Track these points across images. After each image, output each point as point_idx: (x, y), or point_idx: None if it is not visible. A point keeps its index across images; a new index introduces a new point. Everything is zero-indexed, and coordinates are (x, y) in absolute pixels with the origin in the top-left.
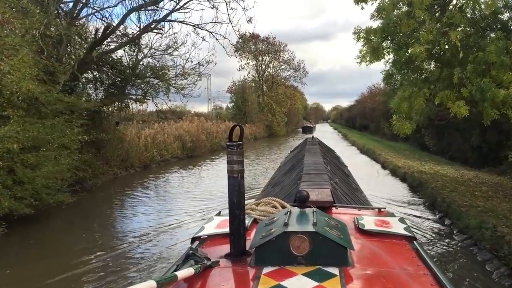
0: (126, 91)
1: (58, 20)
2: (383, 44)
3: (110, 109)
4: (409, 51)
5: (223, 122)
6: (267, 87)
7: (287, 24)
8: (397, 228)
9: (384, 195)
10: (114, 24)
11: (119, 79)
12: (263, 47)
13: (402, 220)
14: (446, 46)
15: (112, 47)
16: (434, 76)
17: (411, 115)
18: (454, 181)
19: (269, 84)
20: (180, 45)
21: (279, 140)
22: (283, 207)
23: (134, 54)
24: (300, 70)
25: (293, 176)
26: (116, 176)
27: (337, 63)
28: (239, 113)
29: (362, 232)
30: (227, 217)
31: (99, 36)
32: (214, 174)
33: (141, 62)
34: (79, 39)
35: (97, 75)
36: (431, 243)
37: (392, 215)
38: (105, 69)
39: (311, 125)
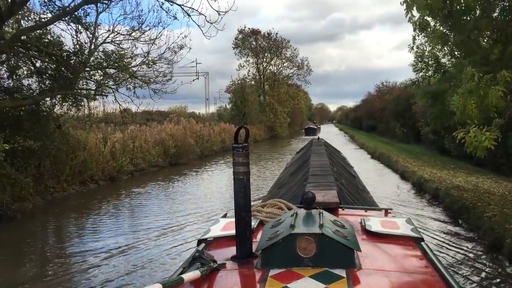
0: (78, 85)
1: None
2: None
3: (62, 109)
4: None
5: (218, 124)
6: (268, 86)
7: (292, 25)
8: (405, 229)
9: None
10: None
11: (62, 68)
12: (264, 43)
13: (409, 221)
14: None
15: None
16: (494, 55)
17: (482, 116)
18: (507, 202)
19: (270, 82)
20: (149, 29)
21: (281, 143)
22: (289, 208)
23: (87, 37)
24: (304, 68)
25: (299, 178)
26: (68, 194)
27: (343, 64)
28: (238, 114)
29: (369, 233)
30: (233, 219)
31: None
32: (194, 191)
33: (98, 48)
34: None
35: (40, 65)
36: None
37: (399, 216)
38: (34, 53)
39: (315, 126)
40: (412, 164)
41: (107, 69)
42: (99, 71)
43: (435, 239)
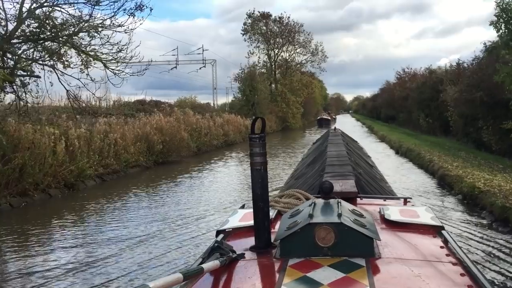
0: None
1: None
2: None
3: None
4: None
5: (220, 115)
6: (280, 74)
7: (309, 15)
8: (424, 217)
9: None
10: None
11: None
12: (275, 28)
13: (428, 209)
14: None
15: None
16: None
17: None
18: None
19: (282, 70)
20: None
21: (294, 135)
22: (307, 198)
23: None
24: (318, 54)
25: (316, 168)
26: None
27: (360, 53)
28: (247, 104)
29: (388, 222)
30: (251, 210)
31: None
32: (176, 207)
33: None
34: None
35: None
36: None
37: (418, 204)
38: None
39: (329, 117)
40: (452, 164)
41: (39, 42)
42: (31, 44)
43: None
